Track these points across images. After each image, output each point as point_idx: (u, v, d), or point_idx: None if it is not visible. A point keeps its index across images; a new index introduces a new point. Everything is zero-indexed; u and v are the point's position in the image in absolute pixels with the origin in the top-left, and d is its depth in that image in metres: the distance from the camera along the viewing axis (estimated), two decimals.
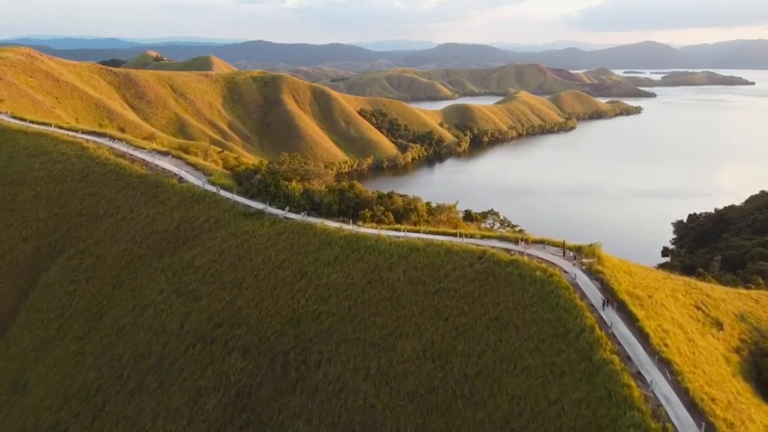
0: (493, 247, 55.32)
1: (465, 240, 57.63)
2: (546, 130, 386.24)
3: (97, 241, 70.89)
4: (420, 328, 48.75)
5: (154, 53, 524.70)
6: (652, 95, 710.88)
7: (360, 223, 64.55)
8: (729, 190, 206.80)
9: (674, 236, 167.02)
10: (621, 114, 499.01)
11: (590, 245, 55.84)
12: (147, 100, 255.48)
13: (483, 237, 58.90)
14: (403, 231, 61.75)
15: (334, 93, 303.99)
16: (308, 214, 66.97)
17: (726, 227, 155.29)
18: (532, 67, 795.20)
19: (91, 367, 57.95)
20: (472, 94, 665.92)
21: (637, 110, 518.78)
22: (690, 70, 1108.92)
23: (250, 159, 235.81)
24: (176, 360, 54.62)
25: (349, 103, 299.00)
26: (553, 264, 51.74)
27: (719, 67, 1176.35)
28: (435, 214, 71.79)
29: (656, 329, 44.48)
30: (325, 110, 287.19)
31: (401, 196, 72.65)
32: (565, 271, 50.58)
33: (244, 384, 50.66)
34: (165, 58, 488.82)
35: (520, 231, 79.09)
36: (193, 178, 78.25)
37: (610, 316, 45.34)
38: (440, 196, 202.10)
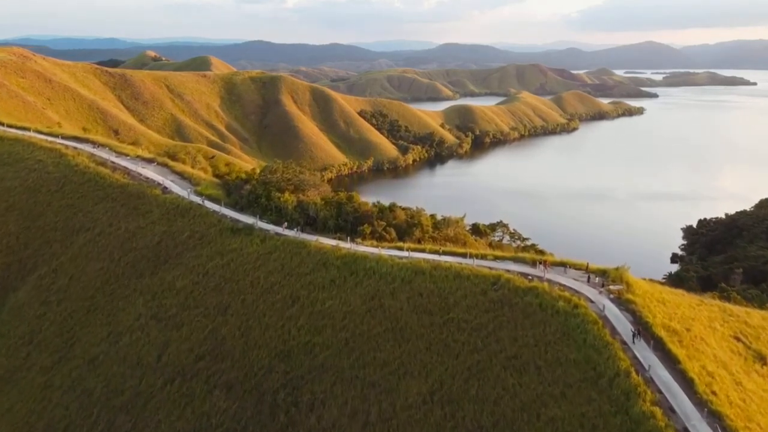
0: (508, 271, 49.26)
1: (476, 262, 51.59)
2: (548, 131, 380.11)
3: (72, 258, 64.81)
4: (427, 367, 42.67)
5: (152, 53, 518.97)
6: (654, 96, 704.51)
7: (359, 240, 58.52)
8: (738, 194, 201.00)
9: (684, 242, 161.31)
10: (623, 115, 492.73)
11: (617, 268, 49.81)
12: (143, 101, 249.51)
13: (496, 258, 52.79)
14: (407, 250, 55.69)
15: (333, 94, 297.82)
16: (302, 230, 60.91)
17: (738, 234, 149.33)
18: (534, 67, 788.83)
19: (58, 403, 51.90)
20: (473, 95, 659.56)
21: (640, 111, 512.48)
22: (691, 71, 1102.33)
23: (248, 161, 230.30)
24: (152, 397, 48.58)
25: (348, 104, 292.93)
26: (577, 292, 45.68)
27: (720, 68, 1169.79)
28: (441, 228, 65.77)
29: (700, 372, 38.43)
30: (324, 111, 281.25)
31: (404, 209, 66.58)
32: (592, 301, 44.53)
33: (227, 428, 44.63)
34: (163, 58, 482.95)
35: (533, 247, 73.19)
36: (178, 188, 72.17)
37: (647, 356, 39.29)
38: (442, 199, 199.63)
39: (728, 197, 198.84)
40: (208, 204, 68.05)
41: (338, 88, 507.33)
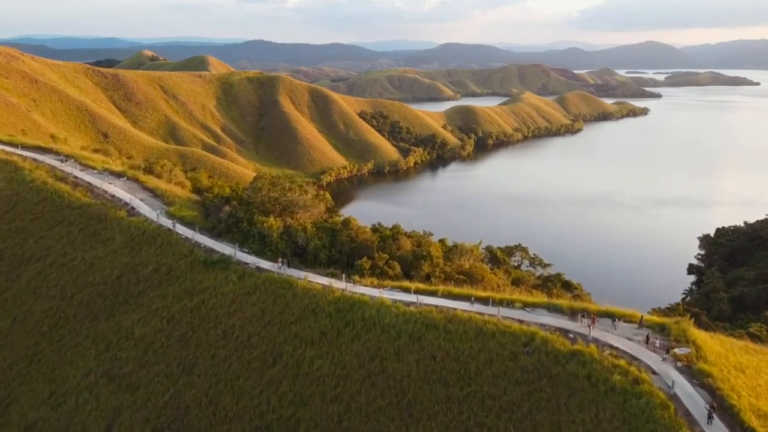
0: (542, 326, 39.17)
1: (501, 311, 41.53)
2: (552, 132, 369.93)
3: (17, 294, 54.77)
4: None
5: (149, 53, 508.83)
6: (658, 96, 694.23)
7: (356, 278, 48.47)
8: (751, 199, 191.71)
9: (700, 252, 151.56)
10: (628, 115, 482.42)
11: (676, 321, 39.78)
12: (135, 102, 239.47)
13: (525, 306, 42.67)
14: (415, 292, 45.65)
15: (333, 94, 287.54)
16: (288, 264, 50.82)
17: (762, 244, 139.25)
18: (536, 67, 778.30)
19: None
20: (474, 95, 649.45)
21: (644, 111, 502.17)
22: (694, 71, 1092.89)
23: (244, 164, 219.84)
24: None
25: (348, 105, 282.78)
26: (635, 359, 35.60)
27: (722, 68, 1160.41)
28: (453, 258, 55.77)
29: None
30: (323, 112, 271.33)
31: (409, 235, 56.46)
32: (655, 372, 34.47)
33: None
34: (161, 58, 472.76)
35: (558, 277, 63.11)
36: (147, 209, 62.07)
37: None
38: (445, 206, 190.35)
39: (742, 203, 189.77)
40: (180, 229, 57.97)
41: (338, 88, 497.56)
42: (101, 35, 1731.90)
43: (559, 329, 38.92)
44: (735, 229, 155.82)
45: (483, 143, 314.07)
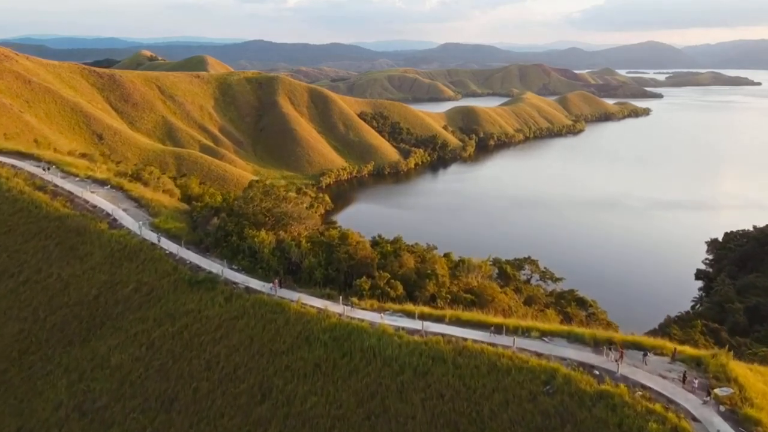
0: (563, 360, 34.77)
1: (516, 342, 37.09)
2: (554, 133, 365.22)
3: None
4: None
5: (148, 53, 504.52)
6: (659, 96, 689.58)
7: (354, 300, 44.05)
8: (758, 202, 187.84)
9: (708, 257, 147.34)
10: (629, 116, 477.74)
11: (713, 355, 35.37)
12: (132, 103, 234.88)
13: (543, 335, 38.25)
14: (419, 317, 41.26)
15: (332, 95, 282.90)
16: (281, 285, 46.40)
17: None
18: (536, 67, 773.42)
19: None
20: (475, 95, 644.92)
21: (646, 112, 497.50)
22: (695, 71, 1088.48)
23: (242, 166, 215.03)
24: None
25: (348, 106, 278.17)
26: (671, 401, 31.21)
27: (722, 68, 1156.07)
28: (459, 275, 51.42)
29: None
30: (323, 113, 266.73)
31: (412, 250, 52.05)
32: (695, 419, 30.06)
33: None
34: (159, 58, 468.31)
35: (572, 293, 58.74)
36: (131, 220, 57.67)
37: None
38: (446, 207, 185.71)
39: (749, 205, 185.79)
40: (165, 243, 53.56)
41: (338, 89, 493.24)
42: (101, 35, 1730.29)
43: (582, 364, 34.52)
44: (744, 234, 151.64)
45: (484, 144, 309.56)
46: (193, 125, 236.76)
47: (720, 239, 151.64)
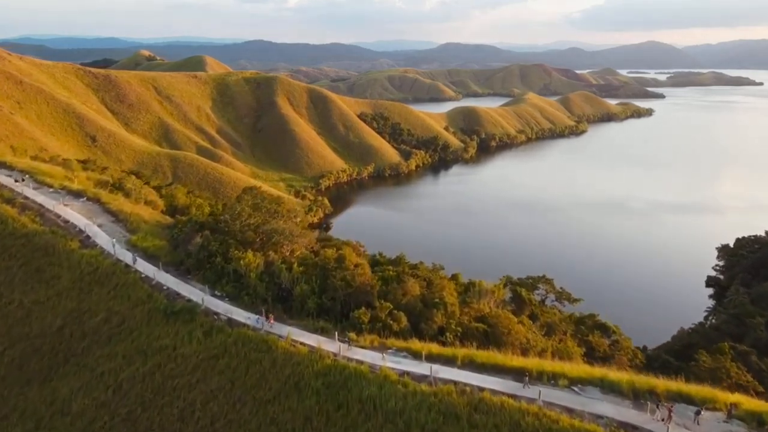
0: (599, 419, 29.12)
1: (543, 392, 31.43)
2: (556, 134, 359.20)
3: None
4: None
5: (146, 53, 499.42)
6: (661, 96, 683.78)
7: (352, 336, 38.36)
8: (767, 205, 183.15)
9: (719, 263, 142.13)
10: (632, 116, 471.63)
11: None
12: (128, 104, 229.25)
13: (572, 383, 32.57)
14: (426, 359, 35.59)
15: (332, 95, 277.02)
16: (266, 316, 40.69)
17: None
18: (537, 67, 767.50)
19: None
20: (475, 95, 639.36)
21: (649, 112, 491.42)
22: (696, 71, 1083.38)
23: (240, 168, 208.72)
24: None
25: (348, 106, 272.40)
26: None
27: (723, 67, 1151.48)
28: (470, 301, 45.83)
29: None
30: (322, 114, 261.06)
31: (416, 274, 46.37)
32: None
33: None
34: (158, 58, 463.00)
35: (592, 317, 53.09)
36: (105, 238, 52.01)
37: None
38: (449, 211, 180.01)
39: (759, 208, 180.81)
40: (141, 264, 47.89)
41: (338, 89, 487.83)
42: (101, 35, 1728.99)
43: (623, 425, 28.87)
44: (756, 239, 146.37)
45: (486, 145, 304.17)
46: (189, 126, 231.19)
47: (731, 245, 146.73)
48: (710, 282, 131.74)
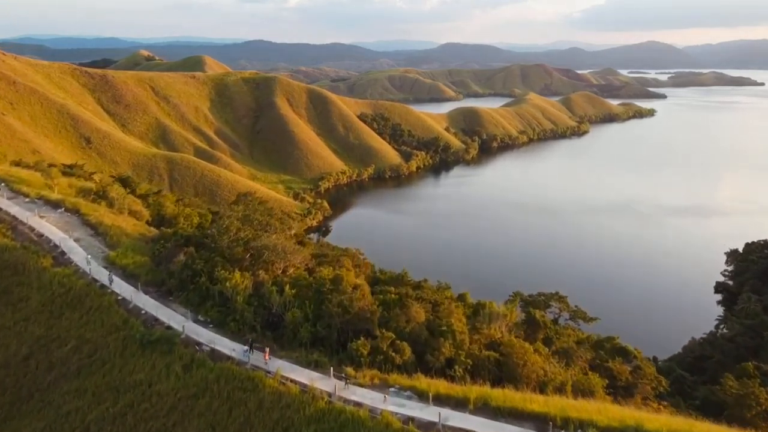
0: None
1: None
2: (558, 134, 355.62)
3: None
4: None
5: (145, 53, 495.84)
6: (663, 96, 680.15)
7: (350, 371, 34.01)
8: None
9: (727, 268, 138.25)
10: (634, 117, 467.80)
11: None
12: (124, 105, 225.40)
13: None
14: (433, 400, 31.24)
15: (332, 96, 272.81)
16: (256, 348, 36.30)
17: None
18: (538, 67, 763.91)
19: None
20: (476, 95, 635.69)
21: (651, 113, 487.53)
22: (697, 71, 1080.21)
23: (239, 170, 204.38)
24: None
25: (348, 107, 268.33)
26: None
27: (724, 68, 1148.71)
28: (479, 326, 41.56)
29: None
30: (322, 115, 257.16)
31: (421, 296, 42.05)
32: None
33: None
34: (157, 58, 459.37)
35: (611, 340, 48.82)
36: (82, 254, 47.69)
37: None
38: (451, 213, 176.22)
39: (765, 211, 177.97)
40: (118, 284, 43.52)
41: (338, 89, 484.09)
42: (101, 35, 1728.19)
43: None
44: (766, 244, 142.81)
45: (487, 146, 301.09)
46: (187, 127, 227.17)
47: (740, 250, 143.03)
48: (719, 288, 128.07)
